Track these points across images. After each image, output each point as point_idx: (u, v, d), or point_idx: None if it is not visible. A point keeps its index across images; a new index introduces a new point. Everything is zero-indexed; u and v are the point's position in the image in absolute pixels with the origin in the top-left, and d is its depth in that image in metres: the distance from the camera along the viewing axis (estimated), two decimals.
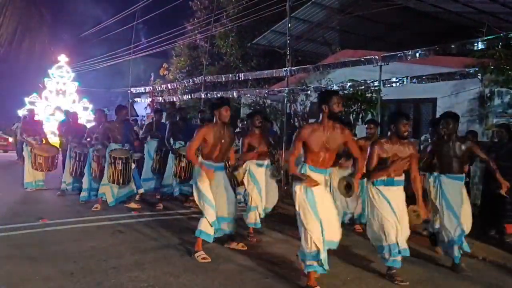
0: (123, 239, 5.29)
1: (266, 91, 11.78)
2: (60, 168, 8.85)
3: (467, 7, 9.87)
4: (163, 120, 8.41)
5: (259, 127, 5.60)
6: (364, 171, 4.14)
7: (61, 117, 20.14)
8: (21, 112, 18.85)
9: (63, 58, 22.44)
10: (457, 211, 4.56)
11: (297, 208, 3.85)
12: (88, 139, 7.71)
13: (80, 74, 24.23)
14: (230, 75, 13.04)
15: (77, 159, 7.98)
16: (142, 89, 18.62)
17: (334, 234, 3.85)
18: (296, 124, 11.18)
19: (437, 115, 8.28)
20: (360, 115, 8.55)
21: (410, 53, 7.82)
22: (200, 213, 4.76)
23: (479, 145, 5.05)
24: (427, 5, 10.51)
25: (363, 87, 8.62)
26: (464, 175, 4.81)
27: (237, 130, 7.74)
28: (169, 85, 17.25)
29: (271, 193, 5.71)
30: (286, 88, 10.23)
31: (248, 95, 12.44)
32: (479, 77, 7.60)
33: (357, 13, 12.02)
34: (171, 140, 7.34)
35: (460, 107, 8.34)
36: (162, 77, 22.06)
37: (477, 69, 7.39)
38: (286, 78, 10.39)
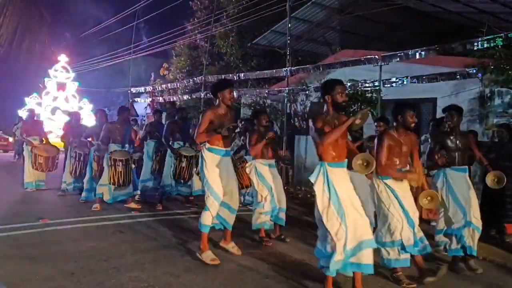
0: (123, 239, 5.29)
1: (266, 91, 11.79)
2: (60, 168, 8.85)
3: (467, 7, 9.86)
4: (163, 121, 8.41)
5: (265, 126, 5.56)
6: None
7: (61, 117, 20.20)
8: (21, 112, 18.89)
9: (63, 58, 22.48)
10: (465, 205, 4.51)
11: (319, 208, 3.62)
12: (89, 139, 7.70)
13: (80, 74, 24.27)
14: (230, 75, 13.04)
15: (78, 159, 7.98)
16: (142, 89, 18.63)
17: (364, 232, 3.62)
18: (296, 124, 11.19)
19: (437, 115, 8.29)
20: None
21: (410, 52, 7.82)
22: (200, 213, 4.73)
23: (476, 143, 5.06)
24: (427, 5, 10.50)
25: (363, 87, 8.62)
26: (467, 166, 4.79)
27: (237, 130, 7.74)
28: (169, 85, 17.26)
29: (280, 193, 5.55)
30: (286, 88, 10.24)
31: (248, 95, 12.44)
32: (479, 77, 7.60)
33: (357, 13, 12.01)
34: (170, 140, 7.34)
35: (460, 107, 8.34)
36: (162, 77, 22.07)
37: (477, 69, 7.40)
38: (286, 78, 10.40)
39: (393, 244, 4.05)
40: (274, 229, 5.58)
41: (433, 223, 5.67)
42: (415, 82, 8.08)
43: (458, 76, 7.58)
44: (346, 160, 3.82)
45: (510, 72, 7.19)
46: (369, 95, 8.64)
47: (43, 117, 19.77)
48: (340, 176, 3.68)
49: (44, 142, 8.86)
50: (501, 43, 6.71)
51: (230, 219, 4.75)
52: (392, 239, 4.05)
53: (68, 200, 7.79)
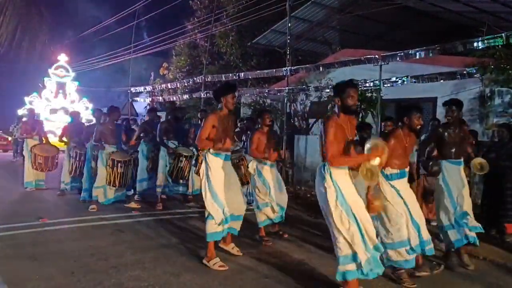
0: (123, 239, 5.28)
1: (266, 91, 11.79)
2: (60, 168, 8.83)
3: (468, 6, 9.87)
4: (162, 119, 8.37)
5: (268, 126, 5.53)
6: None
7: (61, 117, 20.20)
8: (21, 112, 18.88)
9: (63, 58, 22.46)
10: (457, 200, 4.56)
11: (332, 211, 3.49)
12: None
13: (80, 73, 24.26)
14: (230, 74, 13.04)
15: (77, 158, 7.95)
16: (142, 89, 18.62)
17: (373, 235, 3.56)
18: (296, 123, 11.18)
19: (438, 115, 8.30)
20: (360, 115, 8.55)
21: (410, 52, 7.82)
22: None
23: (476, 142, 5.08)
24: (427, 4, 10.51)
25: (363, 86, 8.62)
26: (462, 159, 4.83)
27: (237, 130, 7.74)
28: (169, 84, 17.26)
29: (281, 192, 5.55)
30: (286, 88, 10.23)
31: (248, 95, 12.44)
32: (479, 76, 7.59)
33: (357, 12, 12.02)
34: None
35: None
36: (162, 76, 22.07)
37: (477, 68, 7.39)
38: (286, 78, 10.39)
39: (401, 245, 4.01)
40: (273, 225, 5.62)
41: (433, 223, 5.67)
42: (415, 82, 8.08)
43: (458, 76, 7.58)
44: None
45: (510, 72, 7.19)
46: (369, 94, 8.65)
47: (42, 117, 19.76)
48: (344, 179, 3.61)
49: (44, 142, 8.86)
50: (501, 43, 6.70)
51: (237, 225, 4.72)
52: (401, 239, 4.00)
53: (67, 200, 7.79)
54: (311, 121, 10.98)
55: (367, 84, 8.61)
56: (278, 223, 5.60)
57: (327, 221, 3.61)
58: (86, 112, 21.11)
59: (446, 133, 4.66)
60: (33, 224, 5.74)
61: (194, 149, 7.19)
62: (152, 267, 4.24)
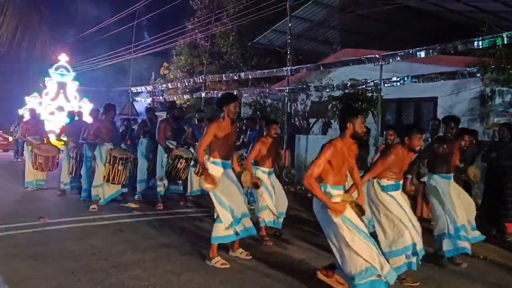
0: (123, 238, 5.28)
1: (267, 91, 11.78)
2: (60, 168, 8.83)
3: (468, 6, 9.87)
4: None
5: (274, 138, 5.52)
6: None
7: (61, 117, 20.18)
8: (22, 111, 18.88)
9: (63, 58, 22.47)
10: (451, 214, 4.62)
11: (341, 232, 3.48)
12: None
13: (80, 73, 24.26)
14: (231, 74, 13.04)
15: (77, 159, 7.94)
16: (142, 88, 18.62)
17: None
18: (297, 123, 11.18)
19: (438, 115, 8.30)
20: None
21: (411, 52, 7.81)
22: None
23: (477, 142, 5.10)
24: (428, 4, 10.51)
25: (364, 86, 8.61)
26: (452, 174, 4.92)
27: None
28: (169, 84, 17.26)
29: (281, 198, 5.58)
30: (287, 88, 10.23)
31: (249, 95, 12.43)
32: (480, 76, 7.59)
33: (358, 12, 12.02)
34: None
35: (461, 106, 8.34)
36: (162, 76, 22.07)
37: (478, 68, 7.39)
38: (286, 78, 10.40)
39: (405, 250, 3.99)
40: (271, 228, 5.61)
41: (433, 222, 5.66)
42: (415, 81, 8.08)
43: (459, 75, 7.58)
44: (345, 184, 3.81)
45: (511, 71, 7.18)
46: (370, 94, 8.64)
47: (43, 116, 19.76)
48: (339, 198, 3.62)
49: (45, 142, 8.85)
50: (502, 43, 6.70)
51: (249, 224, 4.62)
52: (405, 245, 3.98)
53: (68, 200, 7.79)
54: (311, 120, 10.98)
55: (368, 84, 8.60)
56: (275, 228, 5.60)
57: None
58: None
59: (440, 149, 4.74)
60: (34, 224, 5.74)
61: (193, 150, 7.18)
62: (153, 267, 4.24)
